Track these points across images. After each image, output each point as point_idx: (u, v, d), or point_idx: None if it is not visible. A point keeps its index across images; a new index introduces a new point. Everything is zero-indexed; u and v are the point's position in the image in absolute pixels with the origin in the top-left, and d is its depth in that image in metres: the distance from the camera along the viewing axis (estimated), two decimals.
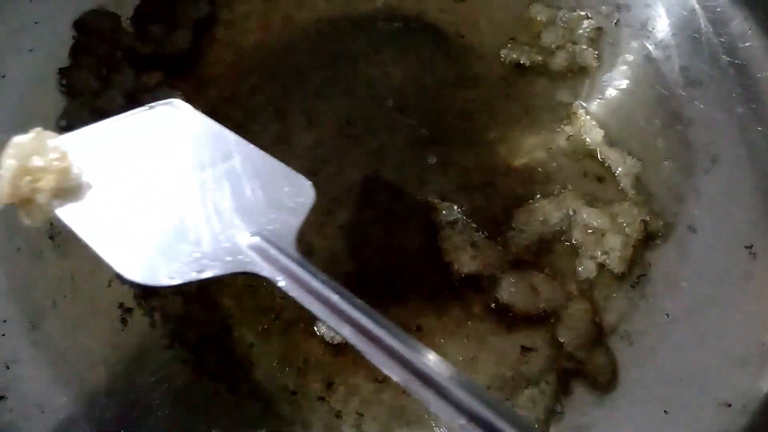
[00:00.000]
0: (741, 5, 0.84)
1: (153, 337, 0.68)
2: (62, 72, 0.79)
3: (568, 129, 0.80)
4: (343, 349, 0.68)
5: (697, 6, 0.86)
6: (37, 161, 0.49)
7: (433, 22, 0.86)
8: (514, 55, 0.83)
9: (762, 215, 0.75)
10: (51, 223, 0.72)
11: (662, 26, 0.85)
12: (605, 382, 0.68)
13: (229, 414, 0.66)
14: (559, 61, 0.83)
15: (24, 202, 0.49)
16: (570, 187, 0.76)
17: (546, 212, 0.74)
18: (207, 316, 0.69)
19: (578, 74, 0.83)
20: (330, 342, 0.68)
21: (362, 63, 0.83)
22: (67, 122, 0.77)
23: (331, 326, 0.45)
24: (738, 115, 0.79)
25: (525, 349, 0.69)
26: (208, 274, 0.48)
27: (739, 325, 0.70)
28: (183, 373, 0.67)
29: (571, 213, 0.74)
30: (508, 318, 0.70)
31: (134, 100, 0.78)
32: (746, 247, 0.73)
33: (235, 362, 0.68)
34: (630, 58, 0.84)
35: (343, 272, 0.71)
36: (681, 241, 0.74)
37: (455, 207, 0.74)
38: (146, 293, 0.70)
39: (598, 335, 0.69)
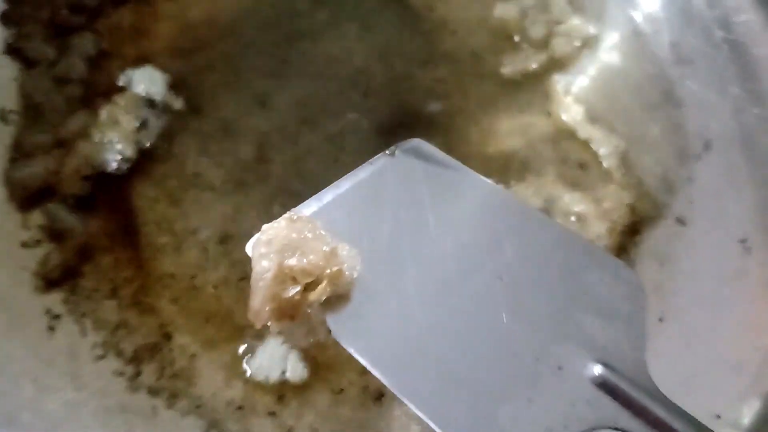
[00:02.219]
0: None
1: (84, 347, 0.61)
2: (12, 48, 0.72)
3: (547, 109, 0.73)
4: None
5: None
6: (298, 260, 0.35)
7: None
8: (519, 66, 0.75)
9: (757, 206, 0.69)
10: None
11: None
12: None
13: None
14: (562, 46, 0.76)
15: (286, 320, 0.35)
16: (550, 172, 0.70)
17: (525, 198, 0.68)
18: (144, 323, 0.62)
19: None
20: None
21: (322, 39, 0.75)
22: (25, 97, 0.70)
23: None
24: (732, 95, 0.73)
25: None
26: None
27: (732, 327, 0.64)
28: (117, 387, 0.60)
29: (552, 198, 0.68)
30: None
31: (97, 66, 0.72)
32: (740, 241, 0.67)
33: (176, 374, 0.61)
34: (615, 32, 0.78)
35: None
36: (670, 235, 0.68)
37: None
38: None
39: None
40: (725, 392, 0.61)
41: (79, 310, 0.63)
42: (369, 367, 0.36)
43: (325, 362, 0.61)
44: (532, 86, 0.74)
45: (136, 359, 0.61)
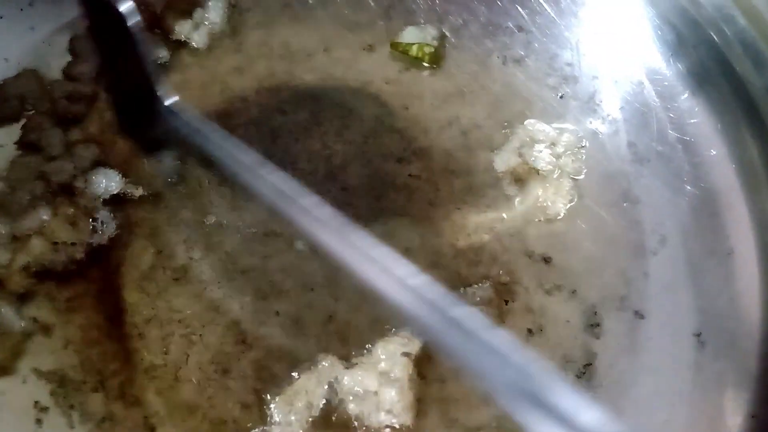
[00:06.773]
0: (688, 80, 0.84)
1: None
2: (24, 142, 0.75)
3: (513, 205, 0.78)
4: None
5: (644, 78, 0.85)
6: None
7: (378, 93, 0.83)
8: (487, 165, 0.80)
9: (710, 300, 0.73)
10: None
11: (610, 99, 0.84)
12: None
13: None
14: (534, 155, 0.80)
15: None
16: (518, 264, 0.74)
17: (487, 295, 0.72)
18: (129, 416, 0.65)
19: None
20: None
21: (303, 136, 0.79)
22: (9, 183, 0.73)
23: None
24: (687, 193, 0.78)
25: None
26: None
27: (686, 420, 0.67)
28: None
29: (517, 292, 0.72)
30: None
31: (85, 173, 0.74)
32: (695, 334, 0.71)
33: None
34: (575, 133, 0.82)
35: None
36: (628, 329, 0.72)
37: None
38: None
39: None
40: None
41: (66, 402, 0.65)
42: None
43: None
44: (500, 184, 0.78)
45: None
